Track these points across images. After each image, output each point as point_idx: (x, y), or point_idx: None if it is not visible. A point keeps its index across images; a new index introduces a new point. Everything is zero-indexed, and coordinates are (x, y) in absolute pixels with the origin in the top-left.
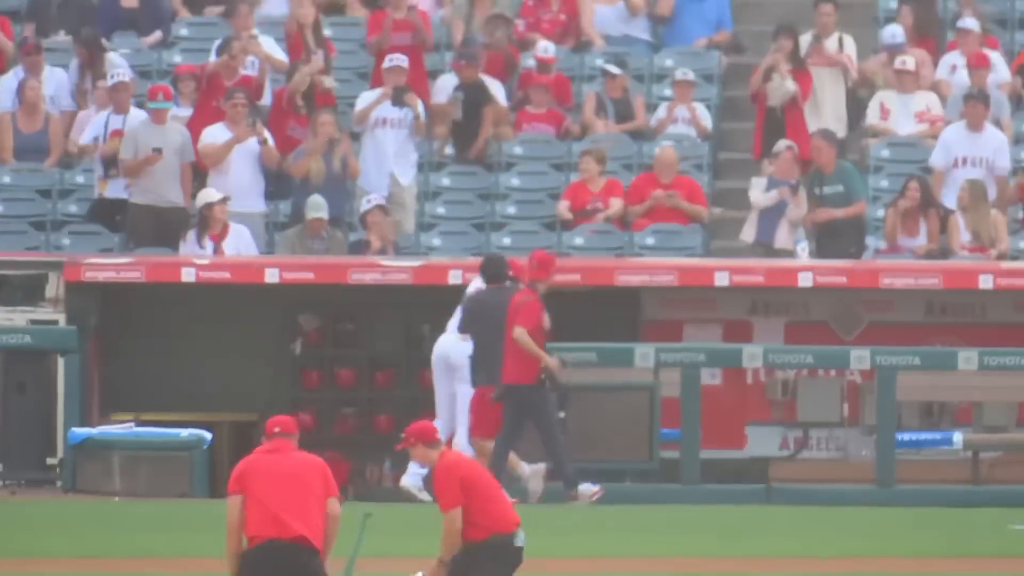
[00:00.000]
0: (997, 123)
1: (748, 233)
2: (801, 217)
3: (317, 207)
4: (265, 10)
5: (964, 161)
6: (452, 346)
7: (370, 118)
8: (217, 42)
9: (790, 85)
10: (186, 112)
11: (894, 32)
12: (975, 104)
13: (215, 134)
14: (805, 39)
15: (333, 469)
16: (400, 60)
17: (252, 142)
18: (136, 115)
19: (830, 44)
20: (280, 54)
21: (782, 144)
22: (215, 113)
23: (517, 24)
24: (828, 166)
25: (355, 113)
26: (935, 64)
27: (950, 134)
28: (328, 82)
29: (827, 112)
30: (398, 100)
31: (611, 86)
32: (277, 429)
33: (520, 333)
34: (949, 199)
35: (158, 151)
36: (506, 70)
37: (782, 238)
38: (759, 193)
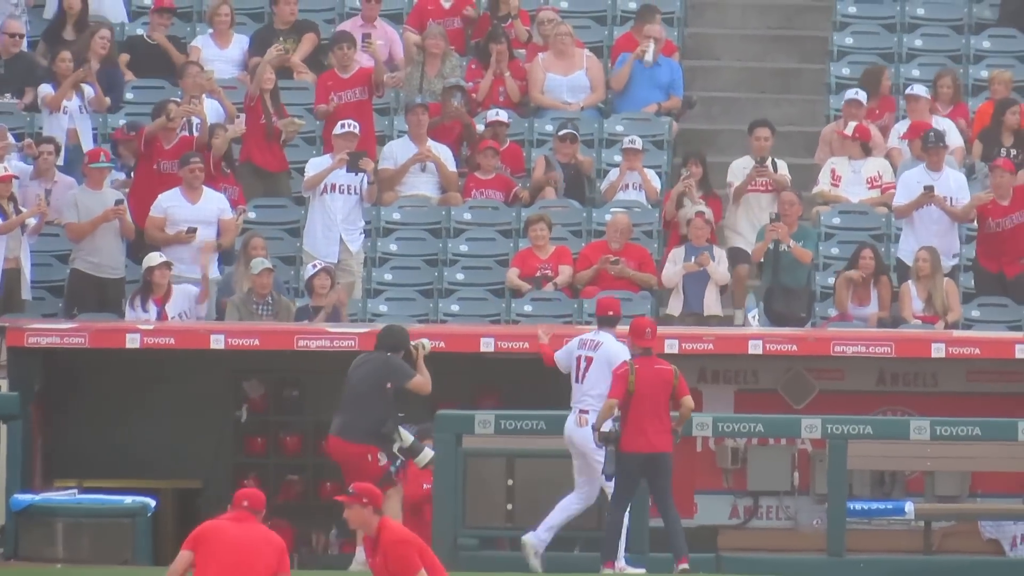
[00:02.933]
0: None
1: (675, 306)
2: (726, 278)
3: (259, 264)
4: (217, 73)
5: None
6: (570, 427)
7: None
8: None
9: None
10: (122, 175)
11: (857, 91)
12: (934, 146)
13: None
14: (741, 163)
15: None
16: (353, 126)
17: (213, 208)
18: (63, 180)
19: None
20: (220, 116)
21: (691, 210)
22: (154, 176)
23: (472, 93)
24: (793, 225)
25: (308, 179)
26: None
27: (911, 175)
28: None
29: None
30: (353, 166)
31: (561, 151)
32: (245, 503)
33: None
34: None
35: (193, 230)
36: (460, 138)
37: (711, 304)
38: (672, 267)
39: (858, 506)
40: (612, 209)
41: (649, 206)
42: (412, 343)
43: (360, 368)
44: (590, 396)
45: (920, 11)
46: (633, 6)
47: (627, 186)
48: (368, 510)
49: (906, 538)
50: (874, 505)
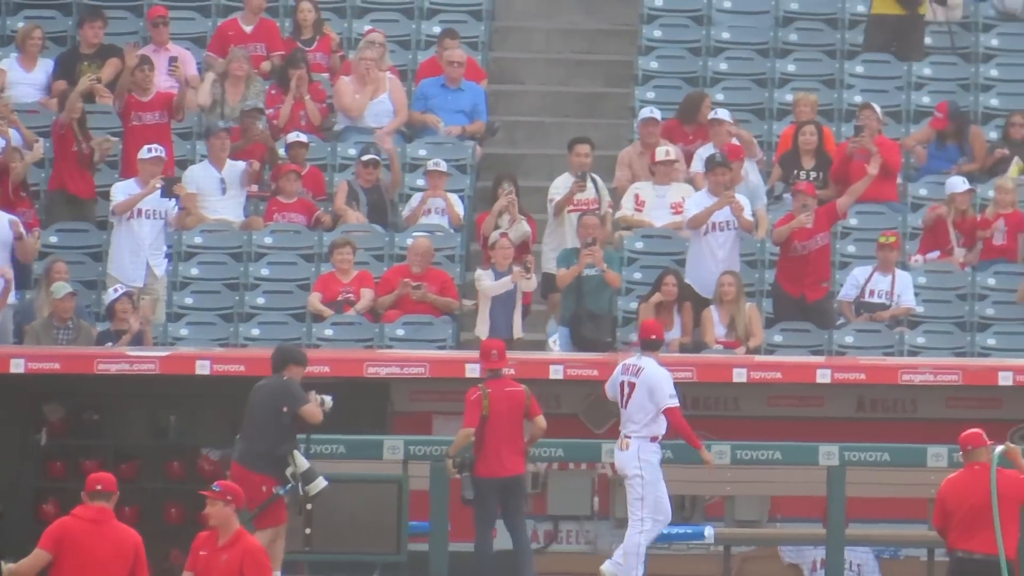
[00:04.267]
0: (753, 214)
1: (482, 330)
2: (534, 288)
3: (60, 288)
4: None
5: (714, 226)
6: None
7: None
8: None
9: (525, 227)
10: None
11: (651, 110)
12: (717, 169)
13: None
14: (563, 180)
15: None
16: (159, 151)
17: (6, 230)
18: None
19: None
20: (18, 141)
21: (495, 235)
22: None
23: (273, 119)
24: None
25: (118, 204)
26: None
27: (696, 199)
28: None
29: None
30: (168, 191)
31: (364, 176)
32: (99, 487)
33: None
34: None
35: None
36: (263, 162)
37: (519, 327)
38: (489, 282)
39: None
40: (415, 233)
41: (452, 231)
42: (318, 396)
43: (258, 393)
44: (634, 422)
45: (725, 35)
46: (437, 30)
47: (430, 211)
48: (230, 508)
49: (706, 563)
50: (674, 529)
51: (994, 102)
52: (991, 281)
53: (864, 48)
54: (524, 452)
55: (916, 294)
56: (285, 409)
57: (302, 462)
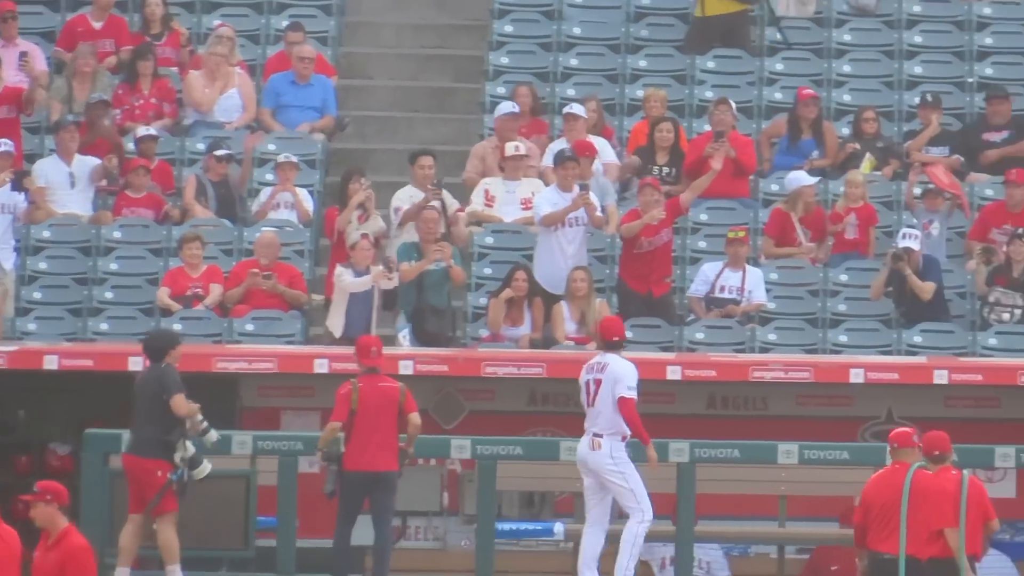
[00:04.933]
0: (603, 209)
1: (334, 324)
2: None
3: None
4: None
5: (565, 222)
6: (583, 451)
7: None
8: None
9: (380, 222)
10: None
11: (512, 105)
12: (566, 163)
13: None
14: (407, 192)
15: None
16: (8, 145)
17: None
18: None
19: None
20: None
21: (356, 235)
22: None
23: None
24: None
25: None
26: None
27: (545, 195)
28: None
29: None
30: (18, 184)
31: (212, 170)
32: None
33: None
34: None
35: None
36: (110, 155)
37: (375, 325)
38: (350, 279)
39: (507, 527)
40: (263, 228)
41: (301, 226)
42: (203, 424)
43: (142, 383)
44: (603, 418)
45: (576, 30)
46: (286, 24)
47: (279, 206)
48: (53, 507)
49: (555, 559)
50: (523, 526)
51: (847, 98)
52: (843, 277)
53: (684, 50)
54: (396, 449)
55: (767, 290)
56: (165, 397)
57: (190, 447)
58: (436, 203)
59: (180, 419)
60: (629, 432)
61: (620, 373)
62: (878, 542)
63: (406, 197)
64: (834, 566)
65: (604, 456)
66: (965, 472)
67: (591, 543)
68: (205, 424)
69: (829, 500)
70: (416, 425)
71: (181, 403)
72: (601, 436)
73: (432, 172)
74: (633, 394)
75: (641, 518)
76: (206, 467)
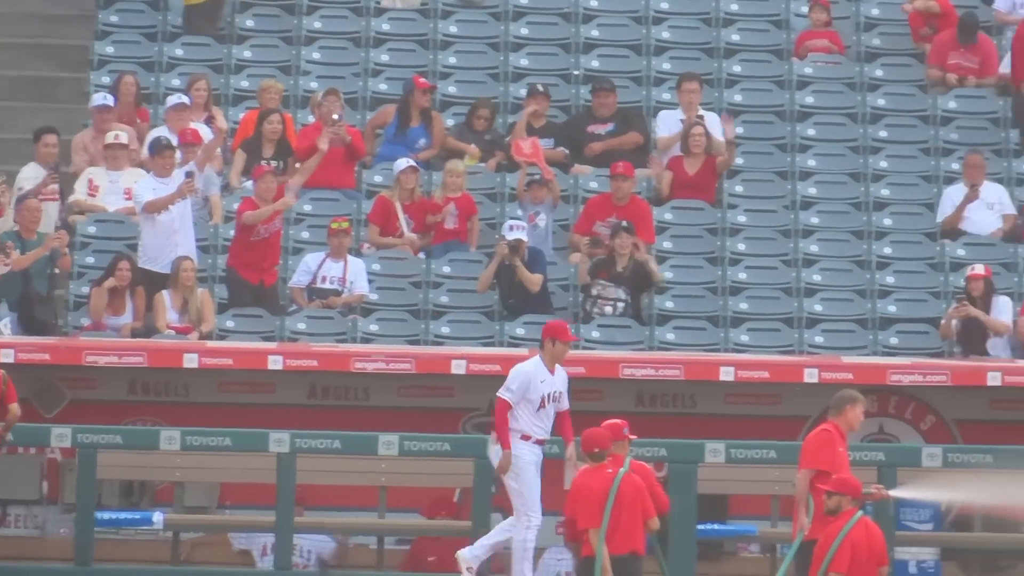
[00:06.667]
0: (207, 200)
1: None
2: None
3: None
4: None
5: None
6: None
7: None
8: None
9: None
10: None
11: (104, 96)
12: (164, 152)
13: None
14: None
15: None
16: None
17: None
18: None
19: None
20: None
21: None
22: None
23: None
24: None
25: None
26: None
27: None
28: None
29: None
30: None
31: None
32: None
33: None
34: None
35: None
36: None
37: None
38: None
39: (107, 516)
40: None
41: None
42: None
43: None
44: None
45: (179, 20)
46: None
47: None
48: None
49: (154, 549)
50: (123, 515)
51: (452, 89)
52: (446, 269)
53: (184, 31)
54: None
55: (370, 281)
56: None
57: None
58: (55, 186)
59: None
60: (536, 434)
61: (509, 373)
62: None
63: (30, 176)
64: (432, 557)
65: (496, 452)
66: (621, 471)
67: (501, 527)
68: None
69: (429, 491)
70: (16, 414)
71: None
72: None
73: (56, 151)
74: (505, 394)
75: (528, 523)
76: None
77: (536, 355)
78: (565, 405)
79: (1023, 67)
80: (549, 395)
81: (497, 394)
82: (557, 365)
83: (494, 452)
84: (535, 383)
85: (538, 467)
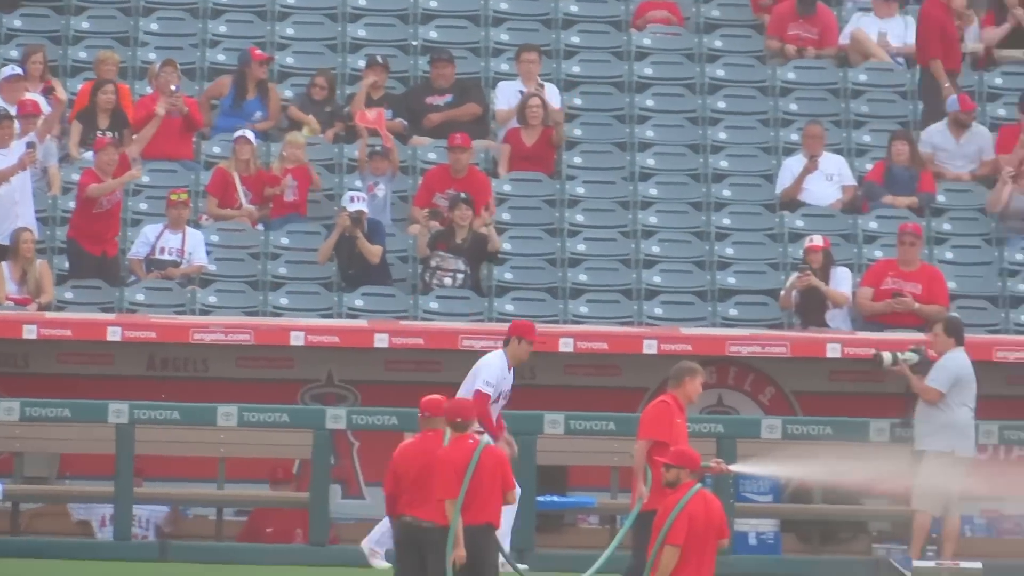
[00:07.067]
0: (46, 170)
1: None
2: None
3: None
4: None
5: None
6: None
7: None
8: None
9: None
10: None
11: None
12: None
13: None
14: None
15: None
16: None
17: None
18: None
19: None
20: None
21: None
22: None
23: None
24: None
25: None
26: None
27: None
28: None
29: None
30: None
31: None
32: None
33: None
34: None
35: None
36: None
37: None
38: None
39: None
40: None
41: None
42: None
43: None
44: None
45: None
46: None
47: None
48: None
49: None
50: None
51: (290, 60)
52: (284, 240)
53: (22, 1)
54: None
55: (208, 252)
56: None
57: None
58: None
59: None
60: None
61: (480, 366)
62: (410, 508)
63: None
64: (269, 528)
65: None
66: (482, 440)
67: None
68: None
69: (268, 462)
70: None
71: None
72: None
73: None
74: (488, 389)
75: None
76: None
77: (499, 350)
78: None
79: (928, 45)
80: (504, 392)
81: (475, 388)
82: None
83: None
84: (501, 377)
85: None
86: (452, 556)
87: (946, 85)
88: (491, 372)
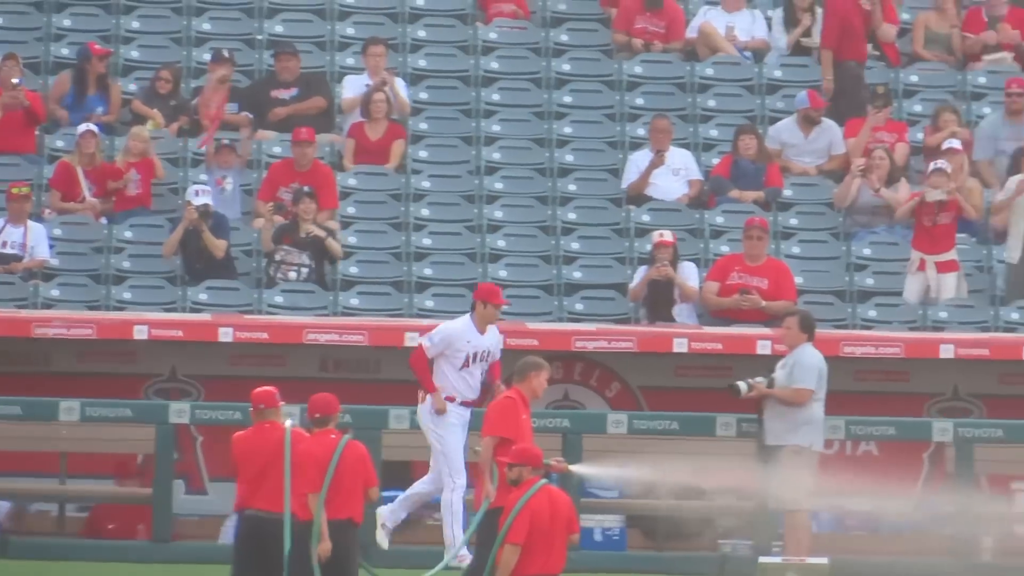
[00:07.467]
0: None
1: None
2: None
3: None
4: None
5: None
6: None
7: None
8: None
9: None
10: None
11: None
12: None
13: None
14: None
15: None
16: None
17: None
18: None
19: None
20: None
21: None
22: None
23: None
24: None
25: None
26: None
27: None
28: None
29: None
30: None
31: None
32: None
33: None
34: None
35: None
36: None
37: None
38: None
39: None
40: None
41: None
42: None
43: None
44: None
45: None
46: None
47: None
48: None
49: None
50: None
51: (135, 54)
52: (128, 234)
53: None
54: None
55: (51, 246)
56: None
57: None
58: None
59: None
60: (463, 395)
61: (439, 327)
62: (252, 500)
63: None
64: (111, 524)
65: (424, 410)
66: (345, 436)
67: (415, 485)
68: None
69: (110, 457)
70: None
71: None
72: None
73: None
74: (427, 343)
75: (453, 486)
76: None
77: (466, 315)
78: (496, 358)
79: (826, 34)
80: (475, 355)
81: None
82: (490, 326)
83: (423, 410)
84: (460, 342)
85: (464, 429)
86: (317, 550)
87: (827, 78)
88: (439, 332)
